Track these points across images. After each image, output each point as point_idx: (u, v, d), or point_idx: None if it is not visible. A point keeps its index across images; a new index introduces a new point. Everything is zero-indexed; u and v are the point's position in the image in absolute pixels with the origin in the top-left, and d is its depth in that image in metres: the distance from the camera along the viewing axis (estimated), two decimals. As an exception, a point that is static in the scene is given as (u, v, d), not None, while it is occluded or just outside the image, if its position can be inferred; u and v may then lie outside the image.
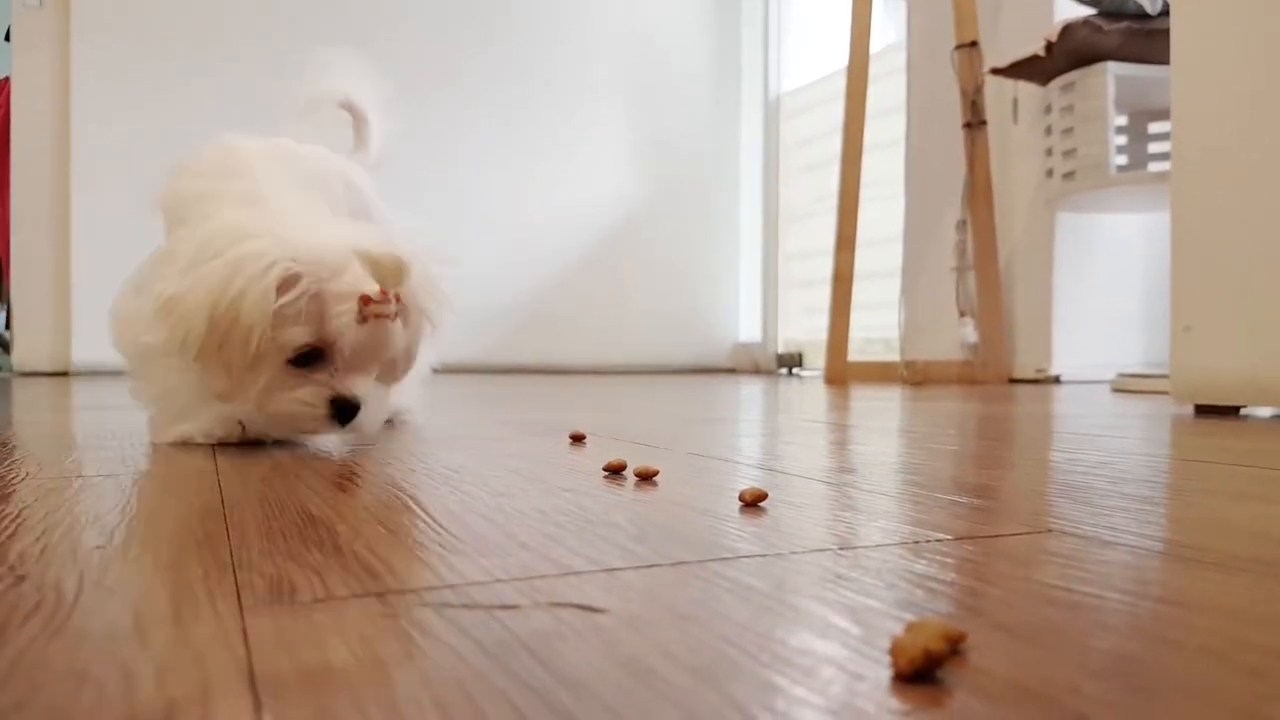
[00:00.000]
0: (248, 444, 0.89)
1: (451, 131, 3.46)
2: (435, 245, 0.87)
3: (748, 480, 0.66)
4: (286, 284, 0.77)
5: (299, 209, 0.90)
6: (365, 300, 0.78)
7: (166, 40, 3.15)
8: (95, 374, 3.01)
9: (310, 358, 0.81)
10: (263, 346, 0.77)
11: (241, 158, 0.96)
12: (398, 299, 0.81)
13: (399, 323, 0.82)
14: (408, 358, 0.88)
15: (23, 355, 3.11)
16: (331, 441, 0.91)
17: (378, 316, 0.79)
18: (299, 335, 0.78)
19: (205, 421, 0.87)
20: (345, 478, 0.68)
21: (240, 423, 0.87)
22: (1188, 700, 0.25)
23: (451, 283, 0.88)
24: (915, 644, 0.27)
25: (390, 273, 0.79)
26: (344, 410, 0.82)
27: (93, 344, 3.10)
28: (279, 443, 0.89)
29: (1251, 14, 1.28)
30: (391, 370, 0.88)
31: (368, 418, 0.83)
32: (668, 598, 0.36)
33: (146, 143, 3.11)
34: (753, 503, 0.56)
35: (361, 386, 0.82)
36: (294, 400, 0.81)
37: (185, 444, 0.88)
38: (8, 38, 3.17)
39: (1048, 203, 2.49)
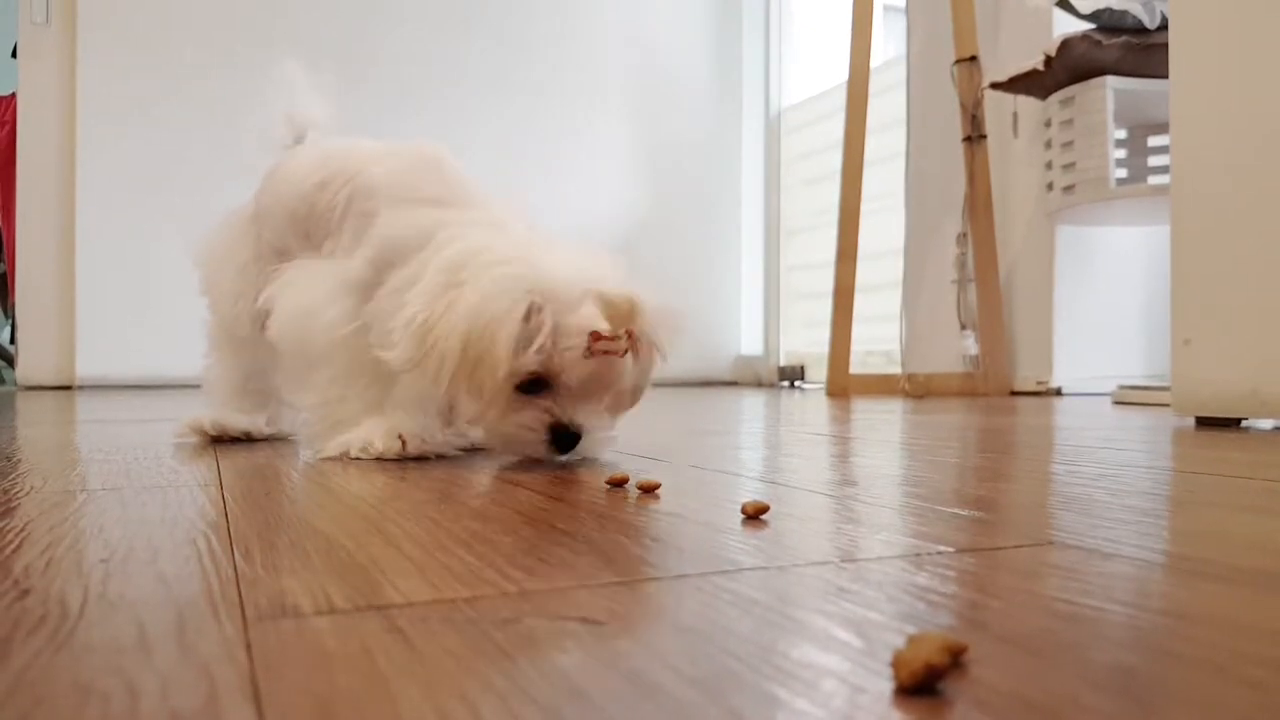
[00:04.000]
0: (248, 451, 0.89)
1: (452, 143, 3.47)
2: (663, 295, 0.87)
3: (750, 493, 0.66)
4: (529, 314, 0.78)
5: (533, 234, 0.90)
6: (595, 337, 0.79)
7: (173, 56, 3.17)
8: (99, 388, 3.02)
9: (537, 385, 0.81)
10: (507, 373, 0.78)
11: (446, 174, 0.96)
12: (630, 335, 0.81)
13: (628, 358, 0.82)
14: (637, 390, 0.88)
15: (27, 369, 3.12)
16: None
17: (606, 353, 0.79)
18: (528, 363, 0.78)
19: (365, 435, 0.87)
20: (347, 491, 0.69)
21: (401, 437, 0.86)
22: (1188, 712, 0.25)
23: (683, 320, 0.88)
24: (917, 657, 0.27)
25: (623, 315, 0.80)
26: (563, 439, 0.82)
27: (97, 358, 3.11)
28: (416, 460, 0.87)
29: (1250, 27, 1.28)
30: (620, 401, 0.88)
31: (588, 445, 0.84)
32: (670, 610, 0.36)
33: (152, 158, 3.12)
34: (755, 515, 0.56)
35: (585, 415, 0.83)
36: (516, 424, 0.82)
37: (342, 458, 0.86)
38: (14, 54, 3.19)
39: (1048, 216, 2.49)
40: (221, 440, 1.06)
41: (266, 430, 1.10)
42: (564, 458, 0.84)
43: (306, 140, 1.14)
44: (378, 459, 0.85)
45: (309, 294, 0.91)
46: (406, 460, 0.86)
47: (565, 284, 0.80)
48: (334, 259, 0.94)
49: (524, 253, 0.82)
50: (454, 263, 0.81)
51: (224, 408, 1.09)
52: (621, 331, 0.80)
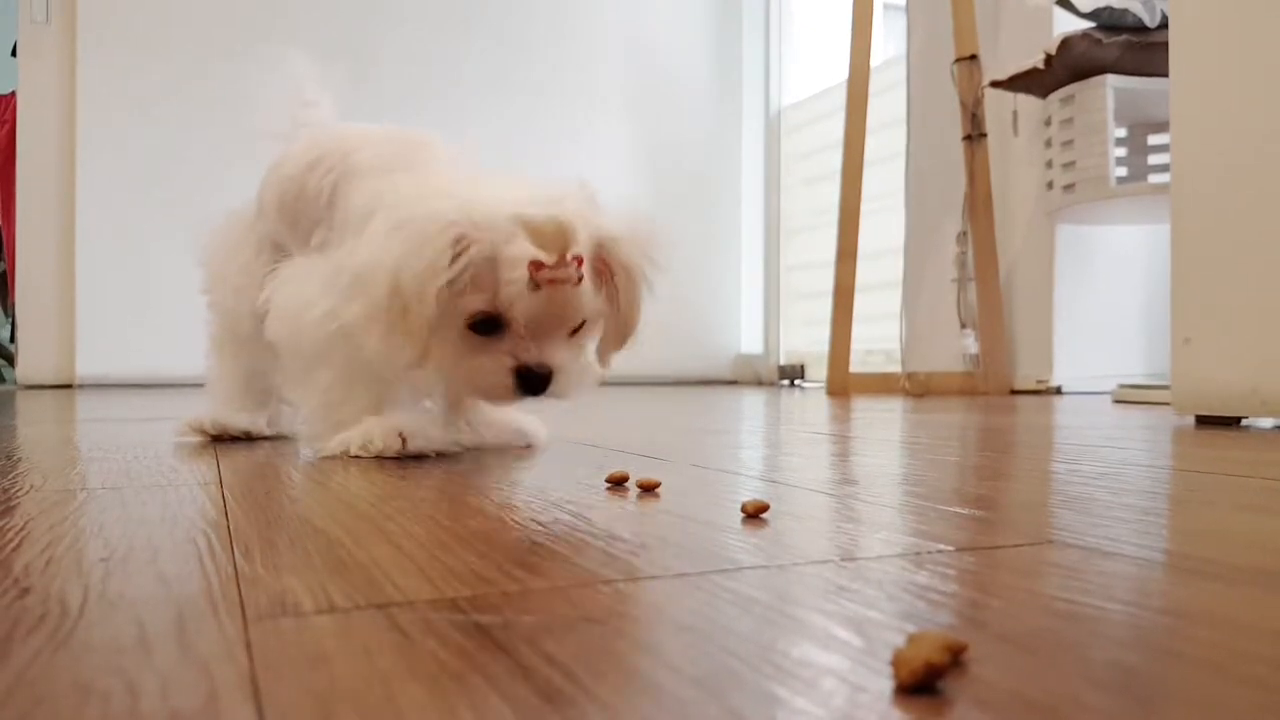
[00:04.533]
0: (248, 450, 0.89)
1: (451, 140, 3.47)
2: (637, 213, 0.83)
3: (750, 492, 0.66)
4: (460, 247, 0.73)
5: (476, 170, 0.87)
6: (536, 266, 0.73)
7: (173, 55, 3.17)
8: (99, 387, 3.01)
9: (491, 325, 0.77)
10: (440, 312, 0.74)
11: (429, 154, 0.94)
12: (579, 262, 0.75)
13: (585, 286, 0.76)
14: (626, 324, 0.84)
15: (27, 368, 3.12)
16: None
17: (553, 282, 0.74)
18: (472, 302, 0.75)
19: (365, 433, 0.85)
20: (347, 490, 0.68)
21: (401, 435, 0.84)
22: (1188, 712, 0.25)
23: (662, 245, 0.84)
24: (917, 656, 0.27)
25: (553, 239, 0.74)
26: (530, 380, 0.78)
27: (97, 357, 3.11)
28: (416, 458, 0.85)
29: (1250, 25, 1.28)
30: (617, 334, 0.84)
31: (562, 385, 0.79)
32: (670, 609, 0.36)
33: (152, 156, 3.12)
34: (755, 514, 0.56)
35: (551, 353, 0.78)
36: (477, 369, 0.78)
37: (342, 457, 0.85)
38: (14, 53, 3.19)
39: (1048, 215, 2.49)
40: (222, 439, 1.06)
41: (267, 430, 1.10)
42: (537, 399, 0.80)
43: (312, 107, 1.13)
44: (378, 457, 0.84)
45: (300, 291, 0.89)
46: (406, 458, 0.85)
47: (497, 212, 0.75)
48: (325, 252, 0.92)
49: (456, 188, 0.78)
50: (388, 208, 0.79)
51: (225, 407, 1.08)
52: (568, 257, 0.74)
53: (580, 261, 0.75)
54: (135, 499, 0.62)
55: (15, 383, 3.16)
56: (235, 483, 0.71)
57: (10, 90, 3.25)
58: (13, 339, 3.29)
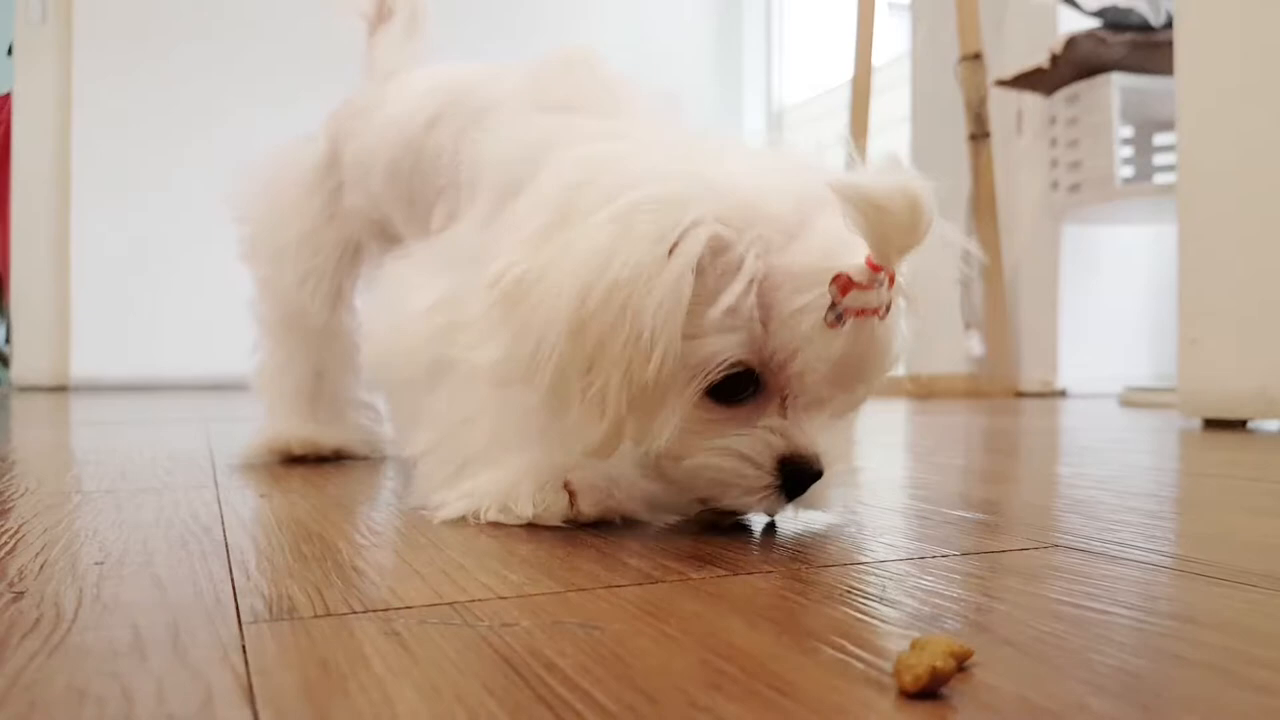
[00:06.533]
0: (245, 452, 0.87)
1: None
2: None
3: (752, 494, 0.66)
4: (716, 257, 0.46)
5: (699, 141, 0.55)
6: (846, 284, 0.44)
7: (170, 55, 3.17)
8: (94, 389, 3.02)
9: (738, 385, 0.48)
10: (669, 365, 0.45)
11: (587, 77, 0.67)
12: (891, 279, 0.46)
13: (892, 319, 0.48)
14: (886, 371, 0.52)
15: (21, 370, 3.12)
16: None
17: (862, 313, 0.45)
18: (728, 347, 0.46)
19: (506, 485, 0.53)
20: (346, 495, 0.68)
21: (569, 488, 0.52)
22: (1194, 717, 0.25)
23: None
24: (921, 662, 0.27)
25: (904, 228, 0.44)
26: (797, 477, 0.49)
27: (92, 359, 3.11)
28: (595, 525, 0.54)
29: (1255, 24, 1.28)
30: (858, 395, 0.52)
31: (823, 490, 0.50)
32: (669, 614, 0.35)
33: (148, 158, 3.12)
34: (757, 517, 0.55)
35: (823, 433, 0.50)
36: (719, 455, 0.48)
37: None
38: (10, 53, 3.19)
39: (1053, 215, 2.48)
40: (305, 460, 0.84)
41: (361, 449, 0.86)
42: (790, 510, 0.51)
43: (395, 24, 0.92)
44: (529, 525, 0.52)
45: (404, 311, 0.60)
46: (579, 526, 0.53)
47: (773, 202, 0.47)
48: (449, 231, 0.66)
49: (686, 164, 0.49)
50: (568, 185, 0.50)
51: (300, 419, 0.85)
52: (885, 271, 0.45)
53: (892, 278, 0.46)
54: (130, 502, 0.62)
55: (10, 385, 3.16)
56: (231, 486, 0.71)
57: (6, 91, 3.25)
58: (7, 341, 3.29)
